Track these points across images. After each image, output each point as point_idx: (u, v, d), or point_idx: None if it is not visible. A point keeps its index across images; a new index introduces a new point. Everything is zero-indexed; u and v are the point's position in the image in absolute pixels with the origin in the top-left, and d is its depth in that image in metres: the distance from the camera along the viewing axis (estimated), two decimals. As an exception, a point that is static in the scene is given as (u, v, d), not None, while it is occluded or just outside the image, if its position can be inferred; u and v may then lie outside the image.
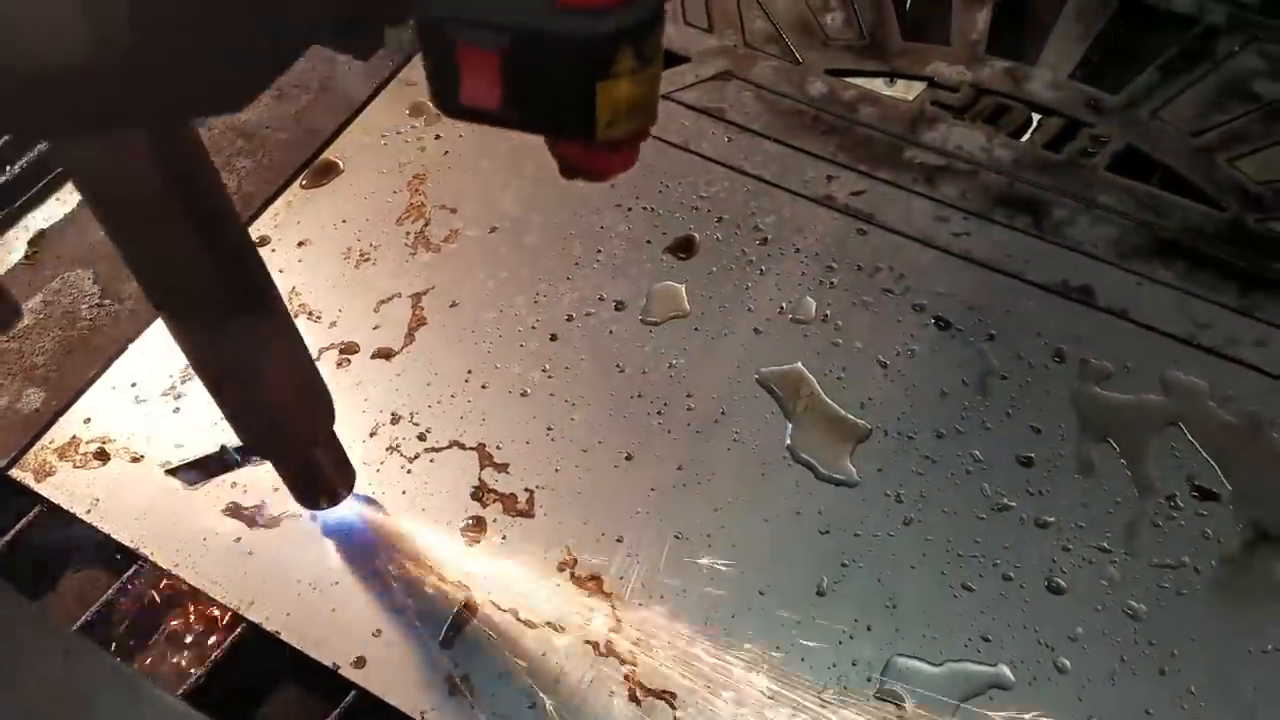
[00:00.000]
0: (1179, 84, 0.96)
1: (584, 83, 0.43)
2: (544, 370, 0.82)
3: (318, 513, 0.74)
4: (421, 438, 0.79)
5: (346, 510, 0.74)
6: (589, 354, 0.82)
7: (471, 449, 0.78)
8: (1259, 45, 0.98)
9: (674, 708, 0.67)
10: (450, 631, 0.70)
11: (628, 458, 0.77)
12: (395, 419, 0.80)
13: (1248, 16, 1.00)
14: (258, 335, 0.57)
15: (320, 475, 0.69)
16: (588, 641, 0.70)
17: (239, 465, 0.78)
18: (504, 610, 0.71)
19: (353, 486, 0.72)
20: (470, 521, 0.75)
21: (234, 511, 0.76)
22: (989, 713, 0.66)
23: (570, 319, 0.84)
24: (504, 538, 0.74)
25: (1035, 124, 0.95)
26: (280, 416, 0.63)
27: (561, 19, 0.41)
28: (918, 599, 0.71)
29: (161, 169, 0.48)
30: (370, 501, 0.76)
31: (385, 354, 0.83)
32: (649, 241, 0.88)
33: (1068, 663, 0.68)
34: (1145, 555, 0.72)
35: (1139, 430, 0.77)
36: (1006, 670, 0.68)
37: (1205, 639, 0.68)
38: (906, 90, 0.99)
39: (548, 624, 0.70)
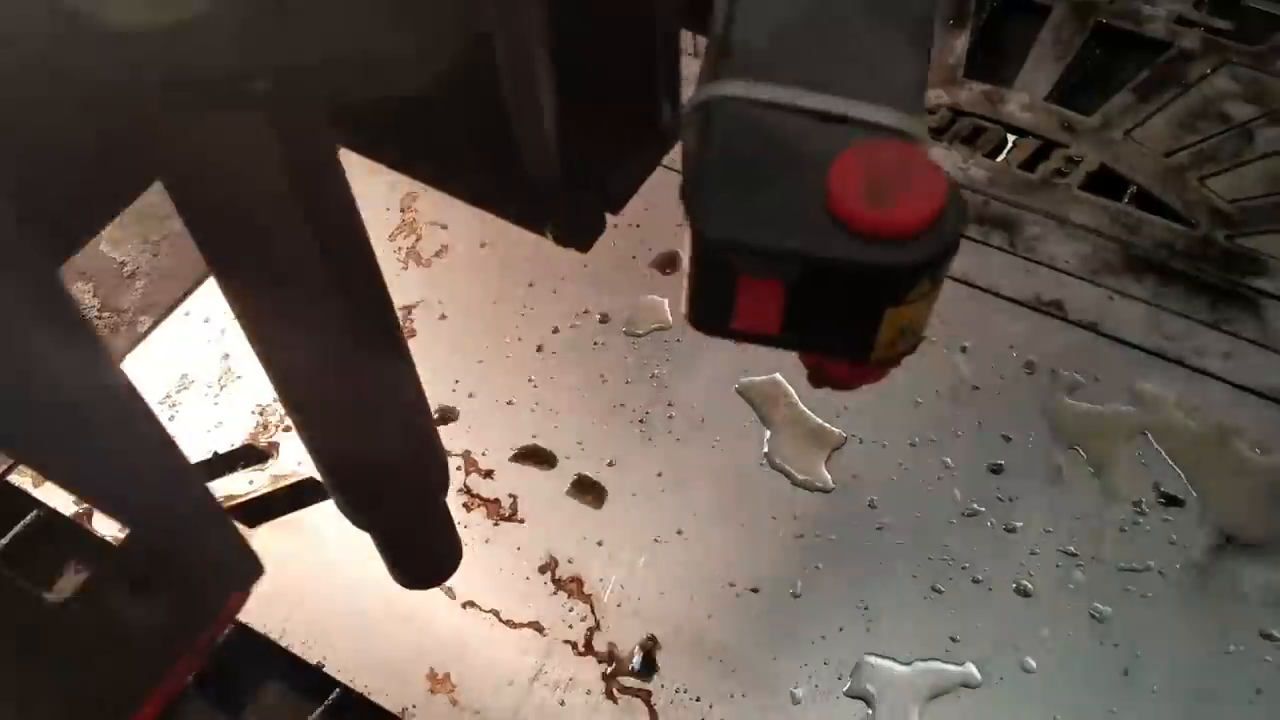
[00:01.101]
0: (1151, 106, 0.98)
1: (874, 310, 0.39)
2: (530, 380, 0.84)
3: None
4: (409, 445, 0.81)
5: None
6: (574, 364, 0.85)
7: (457, 455, 0.81)
8: (1231, 69, 1.00)
9: (650, 706, 0.69)
10: (433, 631, 0.72)
11: (610, 464, 0.79)
12: (384, 427, 0.82)
13: (1220, 41, 1.02)
14: (386, 370, 0.50)
15: (434, 547, 0.60)
16: (567, 641, 0.72)
17: (229, 472, 0.80)
18: (486, 611, 0.73)
19: (459, 561, 0.61)
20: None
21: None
22: (956, 711, 0.68)
23: (556, 331, 0.87)
24: (487, 541, 0.76)
25: (1011, 144, 0.97)
26: (401, 465, 0.54)
27: (859, 247, 0.37)
28: (889, 601, 0.72)
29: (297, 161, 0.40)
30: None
31: (376, 364, 0.85)
32: (634, 257, 0.91)
33: (1034, 663, 0.69)
34: (1111, 560, 0.73)
35: (1107, 439, 0.79)
36: (974, 669, 0.69)
37: (1169, 640, 0.70)
38: (886, 112, 1.01)
39: (529, 624, 0.72)
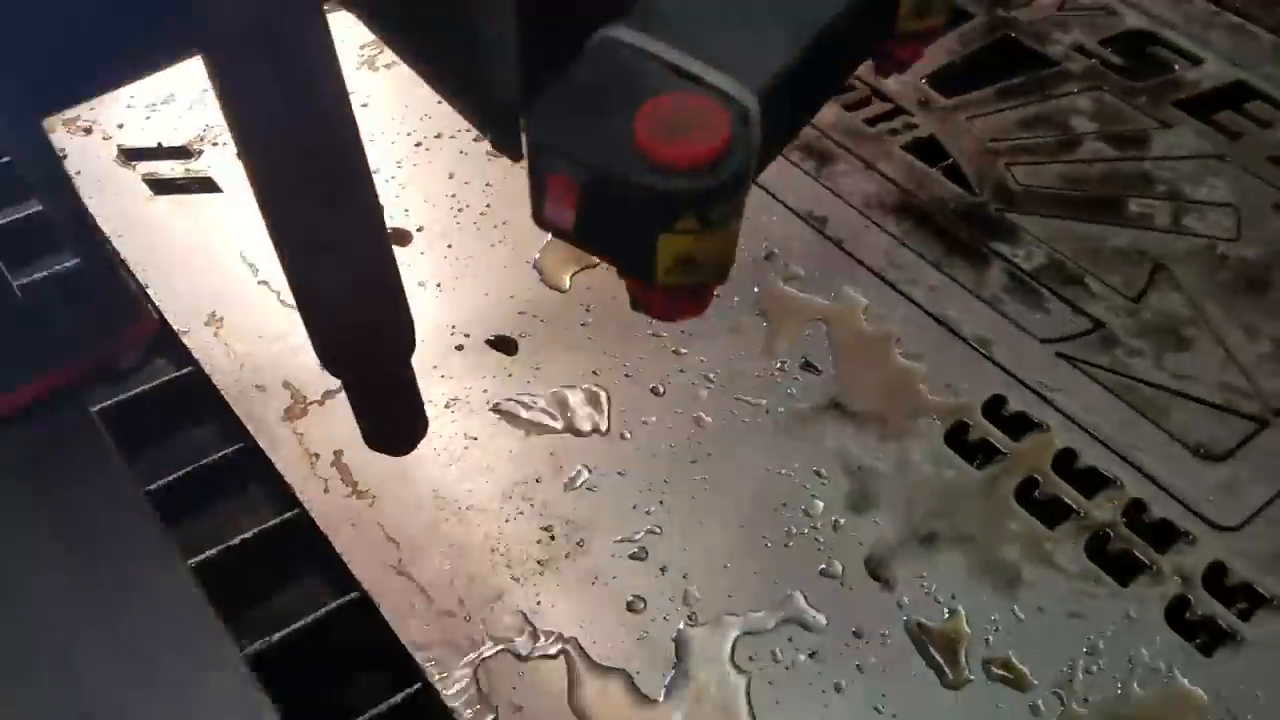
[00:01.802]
0: (1005, 104, 1.11)
1: (649, 232, 0.44)
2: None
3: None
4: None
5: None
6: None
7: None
8: (1097, 94, 1.11)
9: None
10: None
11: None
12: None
13: (1102, 70, 1.13)
14: (362, 200, 0.52)
15: (406, 404, 0.65)
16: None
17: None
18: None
19: (424, 433, 0.68)
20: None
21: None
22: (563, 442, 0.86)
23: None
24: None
25: (869, 103, 1.13)
26: (378, 311, 0.58)
27: (636, 167, 0.43)
28: (553, 366, 0.91)
29: None
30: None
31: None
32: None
33: (631, 434, 0.87)
34: (733, 390, 0.89)
35: (790, 316, 0.94)
36: (602, 424, 0.87)
37: (747, 450, 0.85)
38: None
39: None
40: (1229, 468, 0.82)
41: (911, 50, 0.55)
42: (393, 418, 0.65)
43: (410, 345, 0.62)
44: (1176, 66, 1.14)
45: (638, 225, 0.45)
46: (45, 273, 0.88)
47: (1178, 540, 0.79)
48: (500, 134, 0.49)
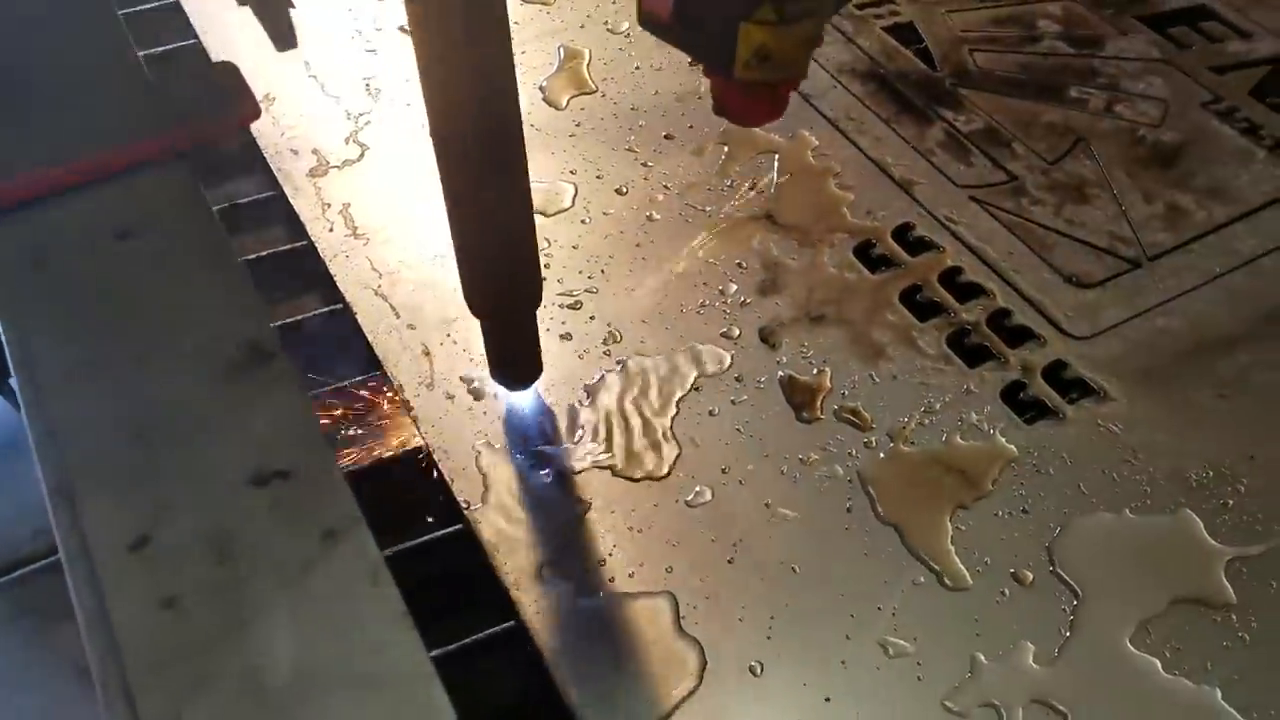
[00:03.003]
0: (983, 4, 1.23)
1: (726, 19, 0.47)
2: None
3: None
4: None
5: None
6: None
7: (376, 20, 1.24)
8: (1069, 6, 1.22)
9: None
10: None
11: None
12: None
13: None
14: (519, 184, 0.65)
15: (529, 347, 0.80)
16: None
17: None
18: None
19: (539, 375, 0.84)
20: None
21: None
22: None
23: None
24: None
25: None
26: (519, 270, 0.72)
27: None
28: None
29: None
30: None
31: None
32: None
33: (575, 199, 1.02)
34: (687, 198, 1.04)
35: (745, 147, 1.08)
36: None
37: (683, 248, 1.00)
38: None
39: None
40: (1094, 293, 0.94)
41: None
42: (517, 356, 0.81)
43: (537, 299, 0.76)
44: (1148, -12, 1.24)
45: (719, 12, 0.48)
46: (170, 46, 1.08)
47: (1029, 341, 0.91)
48: None
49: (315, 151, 1.08)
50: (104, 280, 0.68)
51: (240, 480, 0.57)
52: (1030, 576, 0.76)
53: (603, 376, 0.89)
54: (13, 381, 0.60)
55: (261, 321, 0.65)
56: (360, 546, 0.55)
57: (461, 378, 0.88)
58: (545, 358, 0.89)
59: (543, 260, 0.97)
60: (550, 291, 0.96)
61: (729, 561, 0.77)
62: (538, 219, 1.00)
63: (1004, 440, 0.84)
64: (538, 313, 0.80)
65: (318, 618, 0.52)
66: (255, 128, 1.10)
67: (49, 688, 2.45)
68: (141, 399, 0.59)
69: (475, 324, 0.90)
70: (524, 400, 0.87)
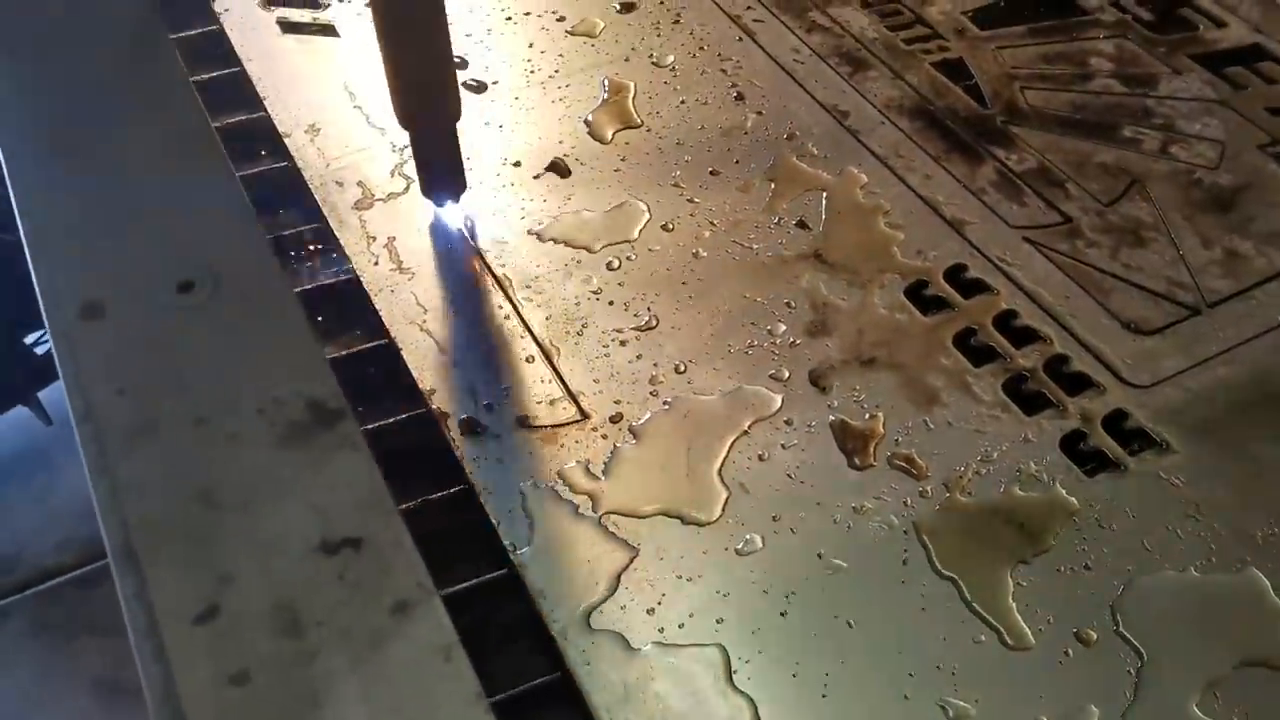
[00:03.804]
0: (1033, 40, 1.21)
1: None
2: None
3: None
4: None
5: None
6: (522, 37, 1.25)
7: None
8: (1121, 41, 1.21)
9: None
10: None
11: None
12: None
13: (1133, 25, 1.22)
14: (437, 14, 0.83)
15: (452, 162, 0.97)
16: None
17: (306, 14, 1.27)
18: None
19: (464, 189, 1.01)
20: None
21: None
22: None
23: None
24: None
25: (911, 26, 1.25)
26: (437, 88, 0.89)
27: None
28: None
29: None
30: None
31: None
32: (609, 3, 1.28)
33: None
34: (733, 235, 1.02)
35: (796, 183, 1.07)
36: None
37: (731, 287, 0.99)
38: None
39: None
40: (1153, 341, 0.92)
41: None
42: (442, 171, 0.97)
43: (456, 114, 0.92)
44: (1201, 27, 1.22)
45: None
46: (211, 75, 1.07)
47: (1089, 389, 0.89)
48: None
49: (360, 184, 1.07)
50: (165, 333, 0.67)
51: (308, 547, 0.56)
52: (1094, 636, 0.74)
53: (650, 416, 0.88)
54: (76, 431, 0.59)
55: (326, 380, 0.64)
56: (434, 620, 0.54)
57: (511, 418, 0.87)
58: (591, 395, 0.88)
59: (592, 296, 0.97)
60: (597, 329, 0.94)
61: (782, 615, 0.75)
62: (584, 255, 1.00)
63: (1064, 492, 0.82)
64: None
65: (390, 697, 0.51)
66: (301, 159, 1.09)
67: (67, 704, 2.44)
68: (205, 460, 0.58)
69: (521, 362, 0.89)
70: (571, 440, 0.85)
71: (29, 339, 2.49)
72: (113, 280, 0.66)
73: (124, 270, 0.68)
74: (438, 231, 1.02)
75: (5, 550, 2.70)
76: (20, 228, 0.69)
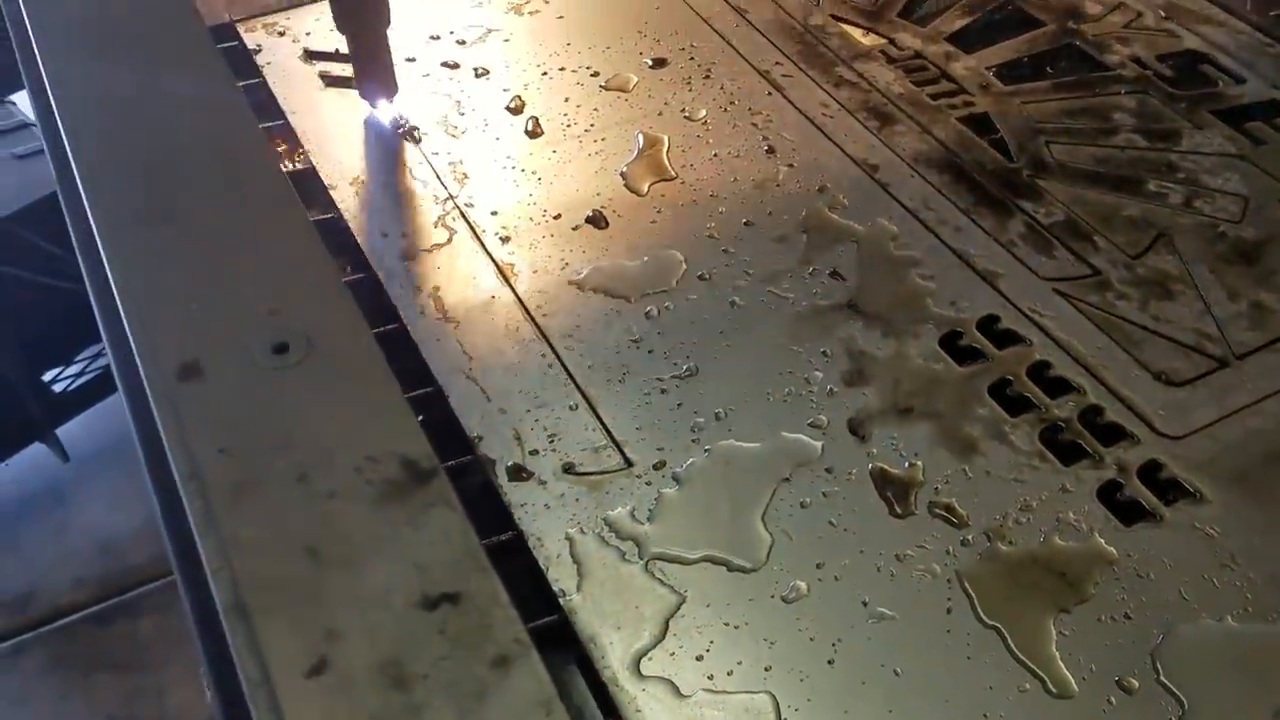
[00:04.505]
0: (1057, 95, 1.24)
1: None
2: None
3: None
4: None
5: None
6: (558, 90, 1.28)
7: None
8: (1143, 97, 1.24)
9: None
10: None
11: (533, 137, 1.22)
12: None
13: (1154, 81, 1.25)
14: None
15: (384, 65, 1.15)
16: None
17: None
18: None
19: (396, 92, 1.19)
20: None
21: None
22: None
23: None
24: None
25: (937, 82, 1.28)
26: None
27: None
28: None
29: None
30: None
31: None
32: (642, 57, 1.32)
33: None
34: (769, 284, 1.05)
35: (829, 235, 1.10)
36: None
37: (767, 336, 1.01)
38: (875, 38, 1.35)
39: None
40: (1185, 392, 0.94)
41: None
42: (376, 73, 1.15)
43: (387, 19, 1.11)
44: (1220, 83, 1.26)
45: None
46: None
47: (1123, 439, 0.91)
48: None
49: (405, 235, 1.10)
50: (261, 393, 0.68)
51: (410, 602, 0.58)
52: (1136, 684, 0.75)
53: (693, 463, 0.89)
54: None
55: (418, 439, 0.66)
56: (533, 675, 0.56)
57: (556, 465, 0.89)
58: (635, 442, 0.90)
59: (632, 344, 0.99)
60: (638, 377, 0.96)
61: (829, 663, 0.77)
62: (623, 304, 1.02)
63: (1103, 542, 0.84)
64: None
65: (498, 752, 0.52)
66: (346, 210, 1.12)
67: (83, 741, 2.44)
68: (306, 518, 0.60)
69: (566, 409, 0.91)
70: (616, 487, 0.87)
71: (46, 376, 2.52)
72: (210, 342, 0.69)
73: (219, 332, 0.70)
74: (371, 127, 1.21)
75: (22, 586, 2.71)
76: (115, 291, 0.72)
